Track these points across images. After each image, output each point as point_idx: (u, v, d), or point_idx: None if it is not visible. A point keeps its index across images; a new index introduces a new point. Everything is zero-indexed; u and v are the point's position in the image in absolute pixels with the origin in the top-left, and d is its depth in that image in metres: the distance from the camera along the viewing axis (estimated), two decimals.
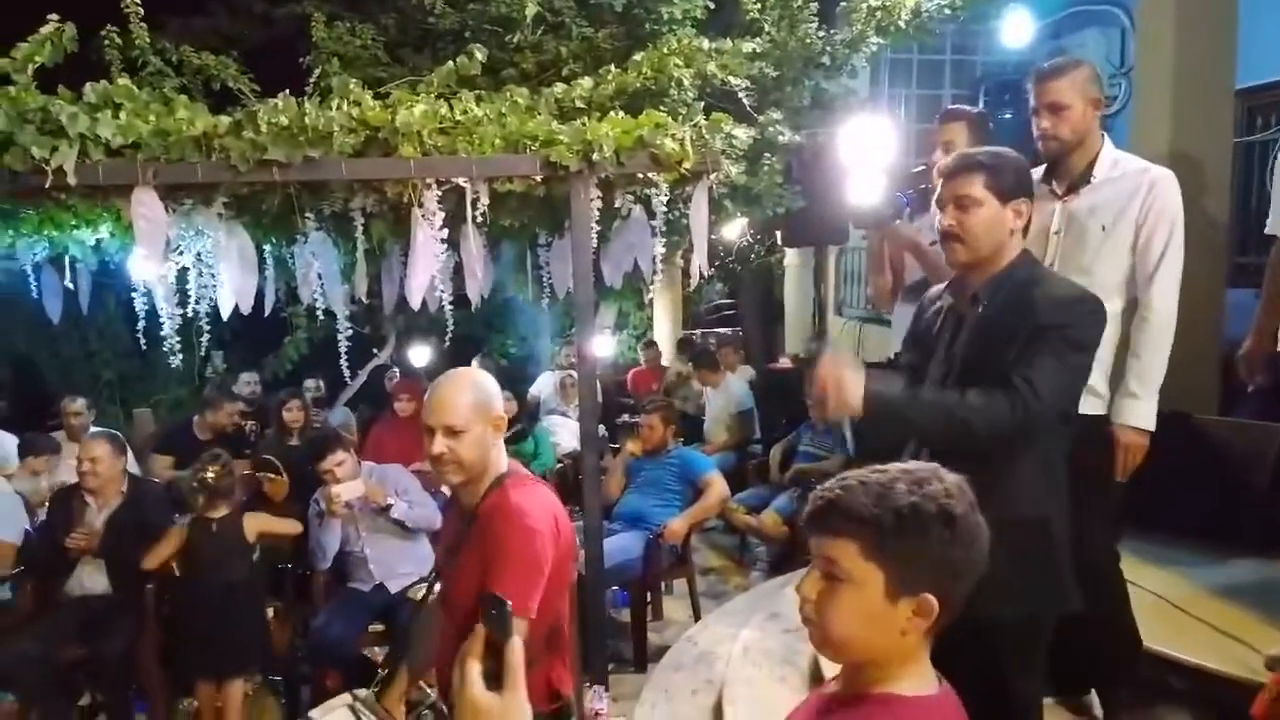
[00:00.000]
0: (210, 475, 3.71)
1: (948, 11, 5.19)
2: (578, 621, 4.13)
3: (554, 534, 2.03)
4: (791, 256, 8.95)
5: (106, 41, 4.98)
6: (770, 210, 6.62)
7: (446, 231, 3.73)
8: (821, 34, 5.60)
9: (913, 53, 8.88)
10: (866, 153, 2.98)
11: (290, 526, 4.08)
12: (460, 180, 3.71)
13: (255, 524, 3.91)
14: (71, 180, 3.33)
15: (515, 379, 8.47)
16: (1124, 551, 3.21)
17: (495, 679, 1.03)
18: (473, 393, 2.06)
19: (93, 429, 4.55)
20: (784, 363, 8.16)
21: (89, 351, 8.23)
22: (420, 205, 3.71)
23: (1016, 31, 6.37)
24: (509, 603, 1.07)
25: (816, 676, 3.15)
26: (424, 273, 3.69)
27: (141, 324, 4.38)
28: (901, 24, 5.23)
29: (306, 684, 4.08)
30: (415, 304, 3.82)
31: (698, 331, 10.84)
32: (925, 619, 1.14)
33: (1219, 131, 4.07)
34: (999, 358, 1.88)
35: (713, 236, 7.63)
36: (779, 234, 7.46)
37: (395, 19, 7.13)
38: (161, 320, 4.57)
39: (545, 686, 2.09)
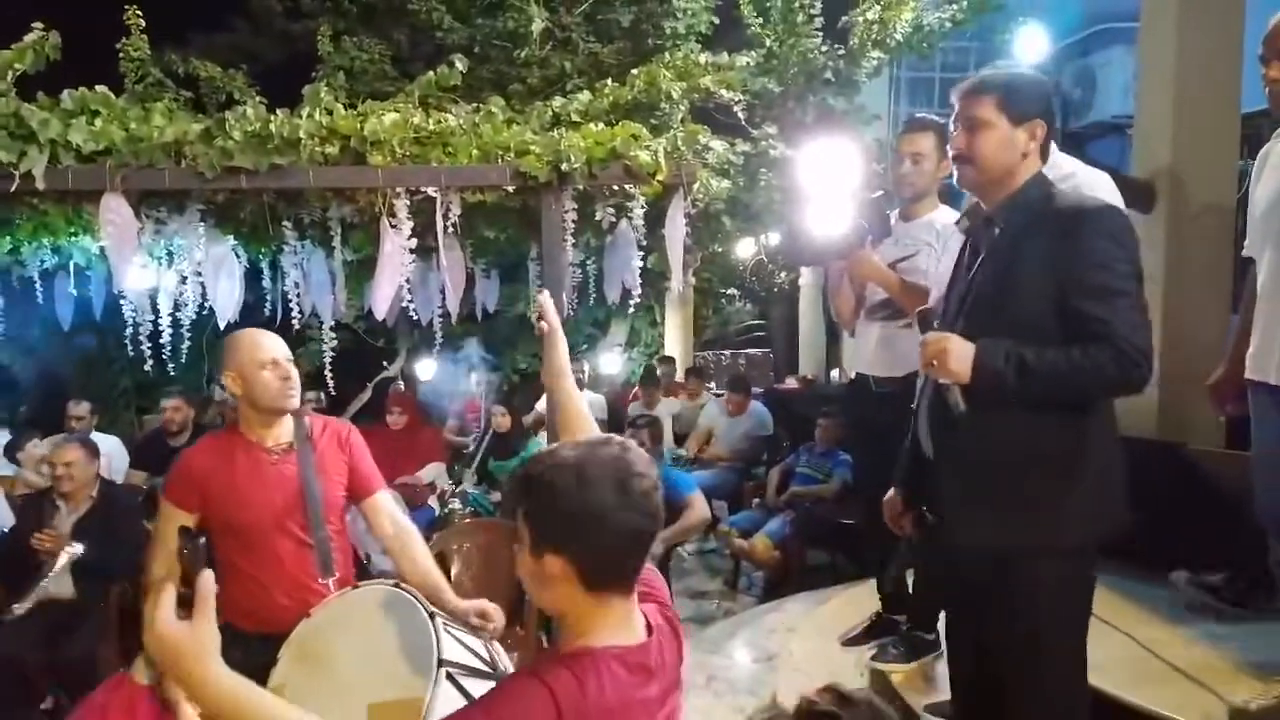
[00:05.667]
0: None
1: (949, 25, 5.08)
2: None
3: None
4: (806, 276, 8.81)
5: (121, 55, 5.08)
6: (771, 227, 6.57)
7: (415, 242, 3.69)
8: (825, 49, 5.52)
9: (935, 71, 8.74)
10: (830, 177, 2.86)
11: None
12: (430, 190, 3.68)
13: None
14: (40, 185, 3.35)
15: (525, 395, 8.42)
16: (1104, 587, 3.03)
17: (187, 606, 1.12)
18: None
19: (73, 435, 4.56)
20: (790, 384, 8.00)
21: (109, 359, 8.37)
22: (392, 215, 3.68)
23: (1030, 49, 6.21)
24: (202, 537, 1.20)
25: (776, 707, 3.02)
26: (390, 284, 3.64)
27: (145, 333, 4.43)
28: (899, 38, 5.11)
29: None
30: (380, 315, 3.79)
31: (709, 353, 10.71)
32: (563, 573, 1.25)
33: (1223, 152, 3.87)
34: (1018, 282, 1.88)
35: (721, 252, 7.56)
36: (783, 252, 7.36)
37: (407, 34, 7.22)
38: (161, 330, 4.63)
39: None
